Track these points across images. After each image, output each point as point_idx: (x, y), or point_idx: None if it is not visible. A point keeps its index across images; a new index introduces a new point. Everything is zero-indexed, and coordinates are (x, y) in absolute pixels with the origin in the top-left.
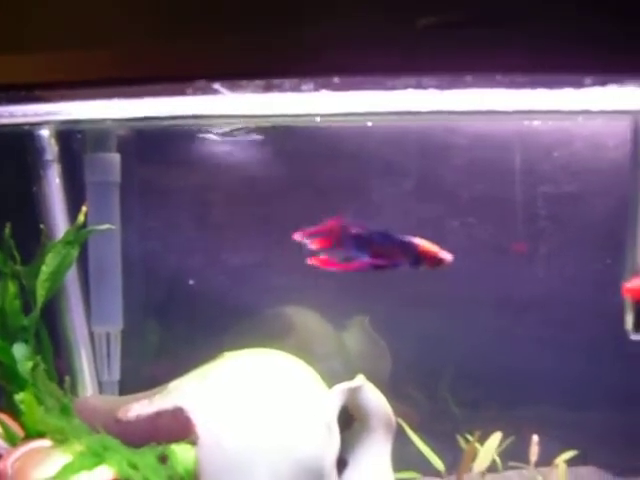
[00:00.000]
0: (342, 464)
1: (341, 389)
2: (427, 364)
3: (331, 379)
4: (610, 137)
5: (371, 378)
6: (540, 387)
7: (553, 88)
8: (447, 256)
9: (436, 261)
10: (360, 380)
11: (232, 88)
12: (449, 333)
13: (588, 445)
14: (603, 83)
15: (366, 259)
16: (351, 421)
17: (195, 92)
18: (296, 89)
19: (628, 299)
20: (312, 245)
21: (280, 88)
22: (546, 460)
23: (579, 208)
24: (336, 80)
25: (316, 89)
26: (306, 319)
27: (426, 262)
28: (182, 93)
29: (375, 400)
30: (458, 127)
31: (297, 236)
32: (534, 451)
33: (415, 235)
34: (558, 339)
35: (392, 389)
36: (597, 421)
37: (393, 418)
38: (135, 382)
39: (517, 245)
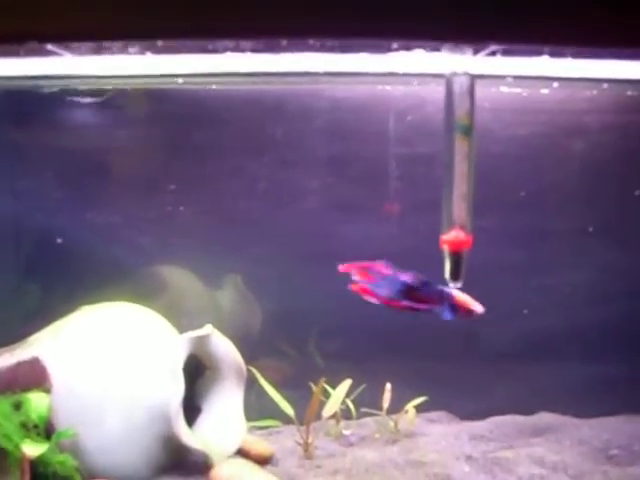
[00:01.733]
0: (196, 411)
1: (187, 338)
2: (294, 319)
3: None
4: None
5: (242, 333)
6: (396, 338)
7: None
8: (479, 308)
9: (469, 312)
10: (208, 329)
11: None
12: (315, 289)
13: (438, 391)
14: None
15: (406, 302)
16: (203, 369)
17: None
18: (126, 52)
19: (446, 250)
20: (356, 276)
21: (110, 50)
22: (400, 407)
23: (430, 169)
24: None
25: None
26: (179, 277)
27: (460, 312)
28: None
29: (225, 348)
30: (318, 91)
31: (343, 268)
32: (387, 398)
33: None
34: None
35: (262, 343)
36: (446, 369)
37: (244, 366)
38: (7, 338)
39: (388, 205)
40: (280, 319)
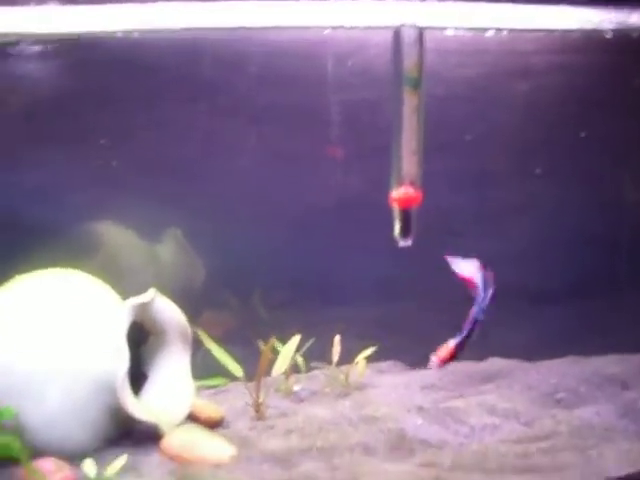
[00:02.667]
0: (142, 378)
1: (130, 305)
2: (237, 273)
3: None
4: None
5: (184, 289)
6: (344, 288)
7: None
8: None
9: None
10: (151, 294)
11: None
12: (258, 241)
13: (388, 341)
14: None
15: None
16: (147, 335)
17: None
18: None
19: (395, 207)
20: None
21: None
22: (350, 358)
23: (373, 115)
24: None
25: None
26: (115, 235)
27: None
28: None
29: (169, 312)
30: (252, 37)
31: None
32: (336, 351)
33: None
34: (358, 242)
35: (205, 298)
36: (395, 317)
37: (189, 329)
38: None
39: (331, 150)
40: (223, 273)
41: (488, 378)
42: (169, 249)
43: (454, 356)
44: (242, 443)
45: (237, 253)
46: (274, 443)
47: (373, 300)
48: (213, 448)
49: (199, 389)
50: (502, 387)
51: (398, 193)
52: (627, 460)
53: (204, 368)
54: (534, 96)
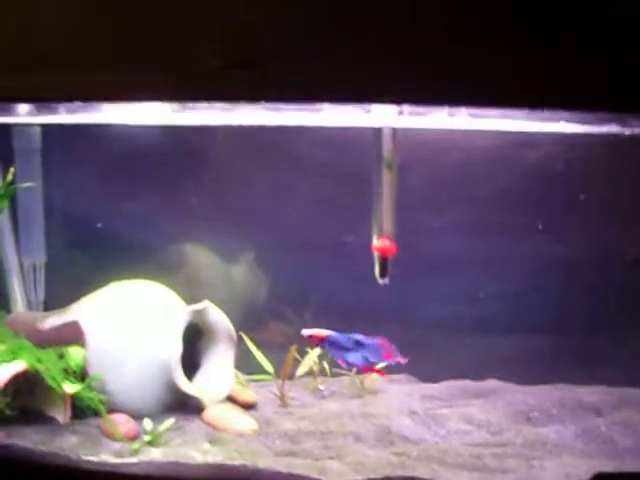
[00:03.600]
0: (196, 367)
1: (187, 310)
2: (289, 292)
3: (216, 303)
4: None
5: (251, 302)
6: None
7: None
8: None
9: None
10: (204, 303)
11: None
12: (312, 271)
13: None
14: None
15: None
16: (201, 335)
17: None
18: None
19: (376, 255)
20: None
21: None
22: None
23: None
24: None
25: None
26: (198, 255)
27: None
28: None
29: (218, 318)
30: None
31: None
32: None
33: None
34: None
35: (265, 311)
36: (414, 339)
37: (234, 332)
38: (56, 302)
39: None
40: (279, 291)
41: (479, 395)
42: (242, 270)
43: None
44: (264, 422)
45: (289, 277)
46: (288, 425)
47: (395, 322)
48: (240, 422)
49: (248, 380)
50: (487, 403)
51: (378, 244)
52: (564, 474)
53: (255, 366)
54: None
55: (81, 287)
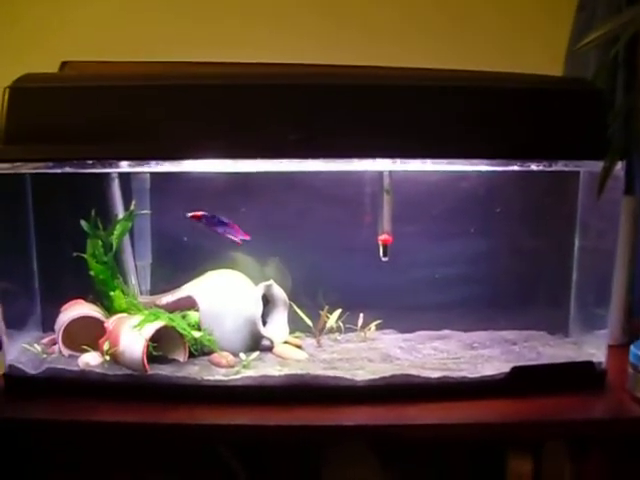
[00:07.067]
0: (264, 323)
1: (262, 285)
2: (311, 284)
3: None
4: None
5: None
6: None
7: None
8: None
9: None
10: (270, 282)
11: None
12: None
13: (395, 318)
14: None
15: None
16: (267, 301)
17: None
18: None
19: (380, 243)
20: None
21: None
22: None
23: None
24: None
25: None
26: (246, 259)
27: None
28: None
29: (277, 291)
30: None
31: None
32: (360, 321)
33: None
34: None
35: (291, 296)
36: (399, 304)
37: (287, 301)
38: (157, 291)
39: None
40: (301, 281)
41: (439, 338)
42: (273, 268)
43: (198, 218)
44: (309, 354)
45: (312, 274)
46: (325, 356)
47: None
48: (297, 353)
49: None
50: (445, 341)
51: (381, 237)
52: (495, 368)
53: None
54: None
55: (173, 281)
